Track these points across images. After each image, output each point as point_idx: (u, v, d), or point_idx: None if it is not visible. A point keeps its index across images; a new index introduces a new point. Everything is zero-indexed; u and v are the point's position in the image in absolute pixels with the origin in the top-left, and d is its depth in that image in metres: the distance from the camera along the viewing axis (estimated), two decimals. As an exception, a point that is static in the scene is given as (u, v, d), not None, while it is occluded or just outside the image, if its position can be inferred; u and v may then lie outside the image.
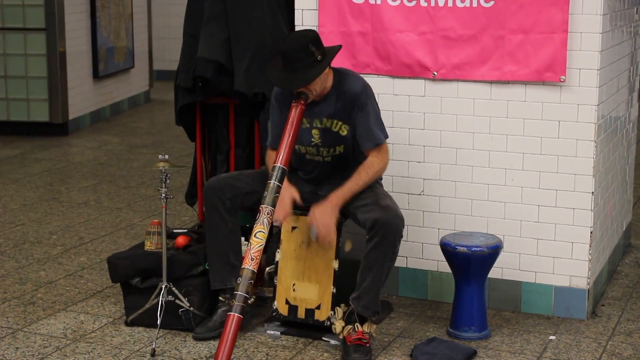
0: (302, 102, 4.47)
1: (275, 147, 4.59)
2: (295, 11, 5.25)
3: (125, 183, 8.05)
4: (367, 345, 4.45)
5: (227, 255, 4.69)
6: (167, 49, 13.72)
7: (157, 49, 13.17)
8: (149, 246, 4.92)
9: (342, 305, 4.56)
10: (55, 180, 8.10)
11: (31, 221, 6.84)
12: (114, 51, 11.11)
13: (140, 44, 12.08)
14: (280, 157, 4.37)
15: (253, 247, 4.20)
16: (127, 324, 4.86)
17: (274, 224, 4.46)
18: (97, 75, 10.70)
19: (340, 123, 4.59)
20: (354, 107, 4.54)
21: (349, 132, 4.58)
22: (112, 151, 9.44)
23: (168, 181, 4.62)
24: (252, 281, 4.16)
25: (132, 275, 4.84)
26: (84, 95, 10.45)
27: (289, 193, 4.56)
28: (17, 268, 5.81)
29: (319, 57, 4.42)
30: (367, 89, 4.60)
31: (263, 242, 4.22)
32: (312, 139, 4.63)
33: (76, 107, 10.23)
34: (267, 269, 4.88)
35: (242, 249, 4.73)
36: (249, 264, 4.17)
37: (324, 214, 4.50)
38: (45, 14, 9.77)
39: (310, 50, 4.40)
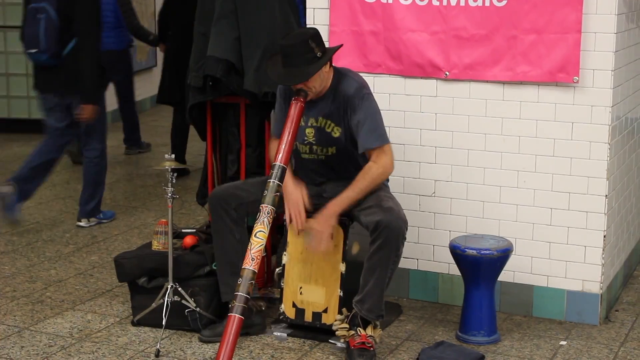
0: (302, 99, 4.42)
1: (278, 136, 4.53)
2: (307, 10, 5.21)
3: (142, 182, 8.04)
4: (371, 349, 4.39)
5: (236, 266, 4.56)
6: (190, 48, 13.68)
7: (180, 48, 13.12)
8: (156, 246, 4.88)
9: (344, 309, 4.50)
10: (72, 179, 8.09)
11: (46, 219, 6.84)
12: (136, 50, 11.08)
13: (163, 43, 12.02)
14: (280, 155, 4.31)
15: (253, 247, 4.14)
16: (133, 324, 4.84)
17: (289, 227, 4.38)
18: (118, 74, 10.66)
19: (332, 124, 4.52)
20: (347, 109, 4.47)
21: (342, 134, 4.51)
22: (132, 150, 9.42)
23: (174, 181, 4.59)
24: (253, 281, 4.11)
25: (139, 275, 4.82)
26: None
27: (295, 197, 4.48)
28: (28, 266, 5.80)
29: (318, 54, 4.37)
30: (361, 90, 4.49)
31: (263, 241, 4.16)
32: (306, 138, 4.57)
33: (97, 106, 10.18)
34: (277, 269, 4.83)
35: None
36: (250, 264, 4.11)
37: (319, 222, 4.44)
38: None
39: (310, 47, 4.35)
